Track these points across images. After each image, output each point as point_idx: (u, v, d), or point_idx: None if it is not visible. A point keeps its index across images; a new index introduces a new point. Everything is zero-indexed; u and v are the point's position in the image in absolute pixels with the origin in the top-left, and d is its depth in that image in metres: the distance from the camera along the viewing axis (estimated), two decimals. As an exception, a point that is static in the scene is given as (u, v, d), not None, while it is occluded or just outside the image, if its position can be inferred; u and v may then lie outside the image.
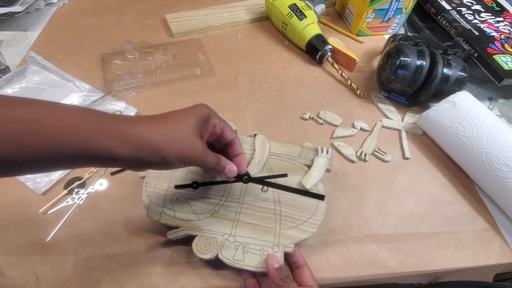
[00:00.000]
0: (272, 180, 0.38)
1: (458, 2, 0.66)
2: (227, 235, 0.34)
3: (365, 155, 0.47)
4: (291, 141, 0.43)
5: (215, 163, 0.30)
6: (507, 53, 0.55)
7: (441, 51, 0.51)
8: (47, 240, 0.37)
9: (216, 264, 0.34)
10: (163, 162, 0.26)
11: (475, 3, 0.66)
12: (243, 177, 0.36)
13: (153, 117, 0.27)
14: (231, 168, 0.31)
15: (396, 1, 0.62)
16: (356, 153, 0.47)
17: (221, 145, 0.34)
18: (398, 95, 0.54)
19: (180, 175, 0.38)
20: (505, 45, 0.56)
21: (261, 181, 0.38)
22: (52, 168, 0.25)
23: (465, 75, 0.49)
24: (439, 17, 0.64)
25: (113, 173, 0.43)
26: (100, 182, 0.42)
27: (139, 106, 0.50)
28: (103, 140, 0.23)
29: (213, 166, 0.30)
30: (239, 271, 0.35)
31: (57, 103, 0.23)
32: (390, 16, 0.65)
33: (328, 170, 0.40)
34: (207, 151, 0.29)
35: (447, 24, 0.62)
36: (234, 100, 0.53)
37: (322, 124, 0.51)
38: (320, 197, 0.37)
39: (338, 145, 0.48)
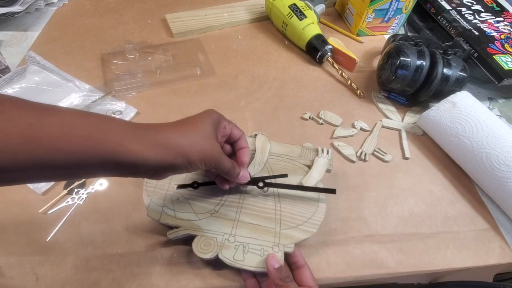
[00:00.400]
0: (276, 181, 0.38)
1: (458, 2, 0.66)
2: (227, 235, 0.34)
3: (365, 155, 0.47)
4: (291, 141, 0.43)
5: (230, 167, 0.31)
6: (507, 53, 0.55)
7: (441, 51, 0.51)
8: (47, 240, 0.37)
9: (216, 264, 0.34)
10: (187, 163, 0.27)
11: (475, 3, 0.66)
12: (258, 183, 0.36)
13: (173, 123, 0.29)
14: (245, 175, 0.34)
15: (396, 1, 0.62)
16: (356, 153, 0.47)
17: (229, 145, 0.35)
18: (398, 95, 0.54)
19: (180, 175, 0.38)
20: (505, 45, 0.56)
21: (269, 184, 0.37)
22: (82, 173, 0.25)
23: (465, 75, 0.49)
24: (439, 17, 0.64)
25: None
26: (100, 182, 0.42)
27: (139, 106, 0.50)
28: (133, 144, 0.24)
29: (228, 170, 0.31)
30: (239, 271, 0.35)
31: (88, 112, 0.24)
32: (390, 16, 0.65)
33: (328, 171, 0.40)
34: (223, 153, 0.30)
35: (447, 24, 0.62)
36: (234, 100, 0.53)
37: (322, 124, 0.51)
38: (331, 191, 0.37)
39: (338, 145, 0.48)
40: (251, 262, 0.32)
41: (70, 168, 0.23)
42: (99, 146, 0.23)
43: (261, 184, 0.36)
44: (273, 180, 0.38)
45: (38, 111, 0.21)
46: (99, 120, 0.24)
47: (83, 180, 0.42)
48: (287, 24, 0.63)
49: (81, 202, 0.40)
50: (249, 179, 0.34)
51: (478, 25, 0.60)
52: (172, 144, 0.26)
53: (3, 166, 0.20)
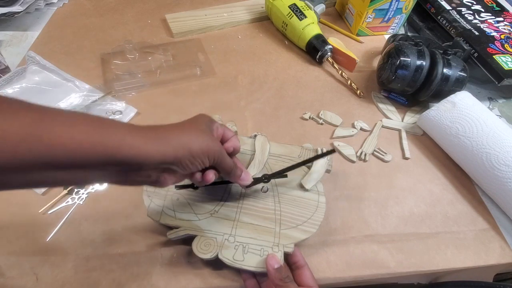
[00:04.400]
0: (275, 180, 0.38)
1: (458, 2, 0.66)
2: (227, 235, 0.34)
3: (365, 155, 0.47)
4: (291, 141, 0.43)
5: (232, 166, 0.31)
6: (507, 53, 0.55)
7: (441, 51, 0.51)
8: (47, 240, 0.37)
9: (216, 264, 0.34)
10: (190, 157, 0.27)
11: (475, 3, 0.66)
12: (262, 178, 0.36)
13: (171, 124, 0.28)
14: (246, 177, 0.34)
15: (396, 1, 0.62)
16: (356, 153, 0.47)
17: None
18: (398, 95, 0.54)
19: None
20: (505, 45, 0.56)
21: (272, 175, 0.37)
22: (79, 176, 0.24)
23: (465, 75, 0.49)
24: (439, 17, 0.64)
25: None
26: (100, 182, 0.42)
27: (139, 106, 0.50)
28: (135, 139, 0.24)
29: (230, 168, 0.31)
30: (239, 271, 0.35)
31: (95, 117, 0.24)
32: (390, 16, 0.65)
33: (328, 171, 0.40)
34: (225, 151, 0.30)
35: (447, 24, 0.62)
36: (234, 100, 0.53)
37: (322, 124, 0.51)
38: (330, 152, 0.37)
39: (338, 145, 0.48)
40: (251, 262, 0.32)
41: (71, 169, 0.22)
42: (102, 142, 0.22)
43: (265, 179, 0.36)
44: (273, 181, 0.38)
45: (39, 110, 0.21)
46: (100, 119, 0.24)
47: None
48: (287, 24, 0.63)
49: (81, 202, 0.40)
50: (252, 181, 0.34)
51: (478, 25, 0.60)
52: (174, 138, 0.26)
53: (1, 165, 0.19)
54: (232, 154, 0.33)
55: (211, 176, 0.31)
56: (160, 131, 0.26)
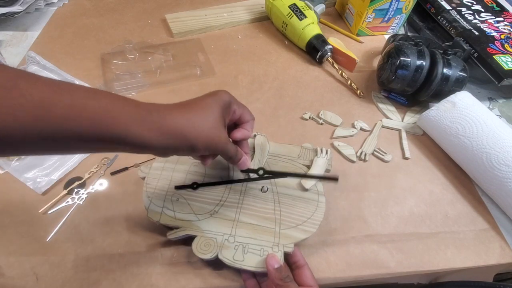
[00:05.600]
0: (276, 180, 0.38)
1: (458, 2, 0.66)
2: (227, 235, 0.34)
3: (365, 155, 0.47)
4: (291, 141, 0.43)
5: (235, 153, 0.32)
6: (507, 53, 0.55)
7: (441, 51, 0.51)
8: (47, 240, 0.37)
9: (216, 264, 0.34)
10: (191, 150, 0.28)
11: (475, 3, 0.66)
12: (257, 171, 0.36)
13: (182, 105, 0.29)
14: (245, 161, 0.34)
15: (396, 1, 0.62)
16: (356, 153, 0.47)
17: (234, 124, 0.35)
18: (398, 95, 0.54)
19: (180, 176, 0.38)
20: (505, 45, 0.56)
21: (276, 174, 0.38)
22: (88, 150, 0.26)
23: (465, 75, 0.49)
24: (439, 17, 0.64)
25: (113, 173, 0.43)
26: (100, 182, 0.42)
27: (139, 106, 0.50)
28: (140, 130, 0.25)
29: (232, 156, 0.32)
30: (239, 271, 0.35)
31: (100, 90, 0.25)
32: (390, 16, 0.65)
33: (327, 171, 0.40)
34: (229, 141, 0.31)
35: (447, 24, 0.62)
36: (234, 100, 0.53)
37: (322, 124, 0.51)
38: (334, 179, 0.37)
39: (338, 145, 0.48)
40: (251, 262, 0.32)
41: (78, 145, 0.24)
42: (106, 129, 0.23)
43: (261, 172, 0.36)
44: (273, 181, 0.38)
45: (50, 88, 0.22)
46: (110, 101, 0.24)
47: (83, 180, 0.42)
48: (287, 24, 0.63)
49: (81, 202, 0.40)
50: (248, 166, 0.34)
51: (478, 25, 0.60)
52: (178, 131, 0.26)
53: (12, 139, 0.21)
54: (239, 141, 0.34)
55: (210, 162, 0.33)
56: (167, 121, 0.26)
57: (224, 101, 0.30)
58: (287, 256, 0.34)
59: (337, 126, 0.51)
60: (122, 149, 0.25)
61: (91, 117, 0.23)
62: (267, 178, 0.38)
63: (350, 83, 0.56)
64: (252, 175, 0.38)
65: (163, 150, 0.27)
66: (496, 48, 0.56)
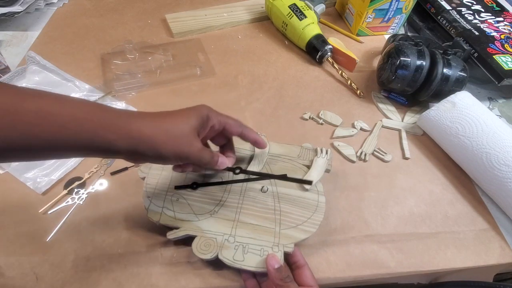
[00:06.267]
0: (276, 182, 0.38)
1: (458, 2, 0.66)
2: (227, 235, 0.34)
3: (365, 155, 0.47)
4: (291, 141, 0.43)
5: (210, 158, 0.31)
6: (507, 53, 0.55)
7: (441, 51, 0.51)
8: (47, 240, 0.37)
9: (216, 264, 0.34)
10: (159, 157, 0.28)
11: (475, 3, 0.66)
12: (235, 169, 0.36)
13: (155, 113, 0.29)
14: (223, 161, 0.33)
15: (396, 1, 0.62)
16: (356, 153, 0.47)
17: (225, 139, 0.36)
18: (398, 95, 0.54)
19: (180, 175, 0.38)
20: (505, 45, 0.56)
21: (251, 174, 0.37)
22: (57, 156, 0.26)
23: (465, 75, 0.49)
24: (439, 17, 0.64)
25: (113, 173, 0.43)
26: (100, 182, 0.42)
27: (139, 106, 0.50)
28: (106, 134, 0.25)
29: (206, 163, 0.31)
30: (239, 271, 0.35)
31: (67, 96, 0.25)
32: (390, 16, 0.65)
33: (327, 171, 0.40)
34: (203, 149, 0.30)
35: (447, 24, 0.62)
36: (234, 100, 0.53)
37: (322, 124, 0.51)
38: (308, 182, 0.37)
39: (338, 145, 0.48)
40: (251, 262, 0.32)
41: (46, 152, 0.24)
42: (73, 135, 0.23)
43: (237, 171, 0.36)
44: (271, 182, 0.38)
45: (15, 95, 0.22)
46: (76, 107, 0.24)
47: (83, 180, 0.42)
48: (287, 24, 0.63)
49: (81, 202, 0.40)
50: (228, 165, 0.34)
51: (478, 25, 0.60)
52: (145, 136, 0.26)
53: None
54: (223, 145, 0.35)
55: (189, 169, 0.33)
56: (135, 126, 0.26)
57: (202, 114, 0.30)
58: (287, 256, 0.34)
59: (337, 126, 0.51)
60: (92, 154, 0.25)
61: (57, 124, 0.23)
62: (245, 181, 0.37)
63: (350, 83, 0.56)
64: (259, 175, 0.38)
65: (130, 154, 0.27)
66: (496, 48, 0.56)
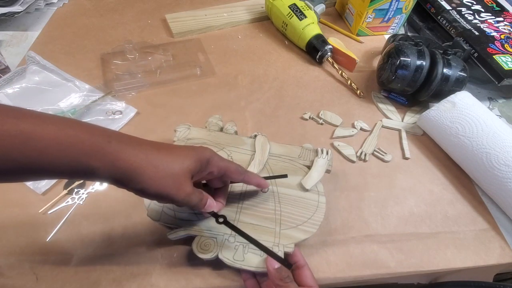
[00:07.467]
0: (276, 181, 0.38)
1: (458, 2, 0.66)
2: (227, 235, 0.34)
3: (365, 155, 0.47)
4: (291, 141, 0.43)
5: (197, 202, 0.30)
6: (507, 53, 0.55)
7: (441, 51, 0.51)
8: (47, 240, 0.37)
9: (216, 264, 0.34)
10: (140, 192, 0.26)
11: (475, 3, 0.66)
12: (218, 218, 0.33)
13: (152, 143, 0.27)
14: (210, 204, 0.31)
15: (396, 1, 0.62)
16: (356, 153, 0.47)
17: (221, 183, 0.34)
18: (398, 95, 0.54)
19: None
20: (505, 45, 0.56)
21: (232, 229, 0.33)
22: (37, 179, 0.25)
23: (465, 75, 0.49)
24: (439, 17, 0.64)
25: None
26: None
27: (139, 106, 0.50)
28: (89, 161, 0.23)
29: (195, 205, 0.29)
30: (239, 271, 0.35)
31: (51, 116, 0.23)
32: (390, 16, 0.65)
33: (328, 171, 0.40)
34: (192, 193, 0.28)
35: (447, 24, 0.62)
36: (234, 100, 0.53)
37: (322, 124, 0.51)
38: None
39: (338, 145, 0.48)
40: (251, 262, 0.32)
41: (24, 175, 0.23)
42: (54, 160, 0.22)
43: (221, 220, 0.33)
44: (274, 182, 0.38)
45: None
46: (60, 129, 0.22)
47: (83, 180, 0.42)
48: (287, 24, 0.63)
49: (81, 202, 0.40)
50: (214, 210, 0.32)
51: (478, 25, 0.60)
52: (131, 167, 0.24)
53: None
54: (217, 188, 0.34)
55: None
56: (122, 156, 0.24)
57: (202, 158, 0.28)
58: (287, 256, 0.34)
59: (337, 126, 0.51)
60: (75, 177, 0.24)
61: (37, 148, 0.21)
62: (233, 229, 0.33)
63: (350, 83, 0.56)
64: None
65: (114, 183, 0.25)
66: (496, 48, 0.56)
